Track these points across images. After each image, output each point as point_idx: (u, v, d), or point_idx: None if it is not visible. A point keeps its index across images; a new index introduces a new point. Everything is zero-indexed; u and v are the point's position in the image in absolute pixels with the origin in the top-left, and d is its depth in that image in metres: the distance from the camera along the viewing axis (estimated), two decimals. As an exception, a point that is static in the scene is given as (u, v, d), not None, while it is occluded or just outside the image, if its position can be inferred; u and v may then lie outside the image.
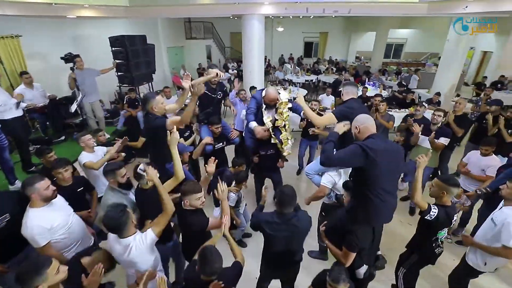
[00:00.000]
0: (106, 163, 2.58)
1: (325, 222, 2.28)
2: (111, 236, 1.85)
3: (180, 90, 7.14)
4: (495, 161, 3.16)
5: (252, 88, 6.10)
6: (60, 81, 6.06)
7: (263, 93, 3.16)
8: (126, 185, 2.44)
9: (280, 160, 3.54)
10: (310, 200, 2.88)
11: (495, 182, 2.86)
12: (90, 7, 5.60)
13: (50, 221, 1.98)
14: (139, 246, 1.79)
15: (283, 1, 6.07)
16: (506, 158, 4.04)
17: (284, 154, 3.37)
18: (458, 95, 8.00)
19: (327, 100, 6.57)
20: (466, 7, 5.31)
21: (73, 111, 4.63)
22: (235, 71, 12.33)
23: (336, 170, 2.69)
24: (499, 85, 9.31)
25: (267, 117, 3.16)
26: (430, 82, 9.79)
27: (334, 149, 1.93)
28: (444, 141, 3.53)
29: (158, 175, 2.01)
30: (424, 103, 4.90)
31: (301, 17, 14.45)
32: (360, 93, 6.81)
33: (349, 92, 2.57)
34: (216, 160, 2.34)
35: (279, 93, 3.17)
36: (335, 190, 2.69)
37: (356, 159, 1.75)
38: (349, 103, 2.50)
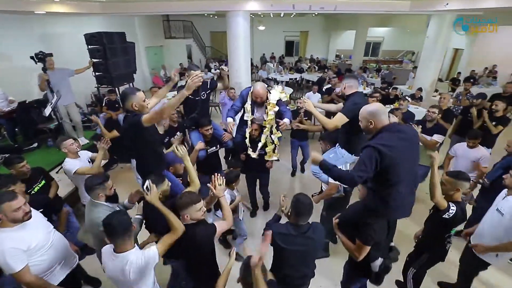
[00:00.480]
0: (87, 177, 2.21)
1: (339, 214, 2.14)
2: (106, 251, 1.62)
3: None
4: (485, 152, 3.21)
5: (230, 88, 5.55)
6: (28, 83, 5.54)
7: (251, 89, 3.04)
8: (113, 197, 2.19)
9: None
10: (320, 199, 2.81)
11: (492, 172, 2.91)
12: (61, 1, 5.16)
13: (26, 242, 1.71)
14: (139, 263, 1.56)
15: (269, -3, 5.96)
16: (490, 149, 4.23)
17: (267, 158, 3.25)
18: (436, 91, 8.31)
19: (314, 97, 6.54)
20: (447, 4, 5.48)
21: (47, 114, 4.19)
22: (218, 71, 12.08)
23: (343, 165, 2.65)
24: (471, 80, 9.82)
25: (248, 116, 3.04)
26: (406, 78, 10.20)
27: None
28: (438, 138, 3.50)
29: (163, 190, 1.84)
30: (407, 98, 5.03)
31: (282, 15, 14.47)
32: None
33: (352, 86, 2.48)
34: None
35: (270, 92, 3.03)
36: (344, 184, 2.61)
37: (375, 163, 1.62)
38: (355, 98, 2.41)
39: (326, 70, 11.85)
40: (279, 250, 1.78)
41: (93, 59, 5.26)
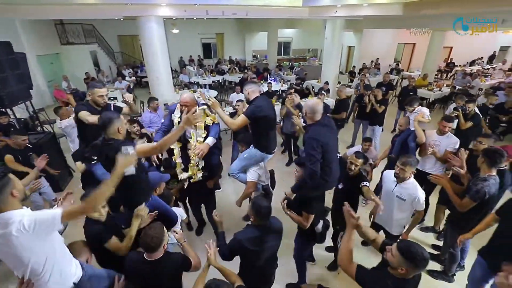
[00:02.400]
0: None
1: (285, 197, 2.43)
2: None
3: (70, 106, 5.98)
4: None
5: (152, 99, 4.97)
6: None
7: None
8: None
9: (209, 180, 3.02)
10: (242, 200, 2.99)
11: (395, 148, 3.66)
12: None
13: None
14: (27, 225, 1.25)
15: (182, 3, 5.92)
16: (381, 127, 5.40)
17: (192, 180, 2.85)
18: (339, 83, 9.81)
19: (238, 98, 6.86)
20: (336, 11, 6.57)
21: None
22: (133, 78, 11.23)
23: (258, 164, 2.89)
24: (364, 70, 11.97)
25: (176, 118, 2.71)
26: (316, 73, 11.69)
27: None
28: None
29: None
30: (323, 92, 5.90)
31: (195, 18, 14.36)
32: (266, 88, 7.48)
33: (255, 91, 2.65)
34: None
35: (198, 105, 2.71)
36: (261, 182, 2.95)
37: (320, 149, 2.09)
38: (257, 101, 2.59)
39: (246, 71, 12.45)
40: (249, 254, 1.84)
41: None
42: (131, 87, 9.77)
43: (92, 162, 2.67)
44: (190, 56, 16.02)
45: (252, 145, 2.81)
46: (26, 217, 1.27)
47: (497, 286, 1.41)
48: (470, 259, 2.65)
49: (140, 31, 6.09)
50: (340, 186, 2.67)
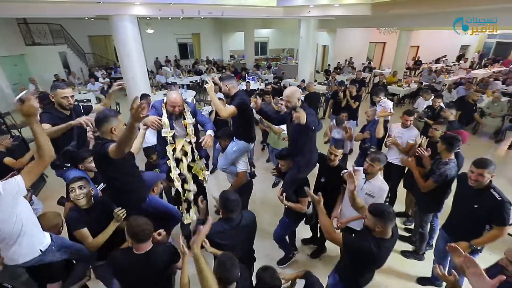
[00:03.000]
0: None
1: (281, 190, 2.52)
2: None
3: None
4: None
5: (144, 96, 4.95)
6: None
7: (165, 99, 2.68)
8: None
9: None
10: (234, 188, 3.01)
11: (369, 139, 3.88)
12: None
13: None
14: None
15: (157, 2, 5.84)
16: (355, 121, 5.67)
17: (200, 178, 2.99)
18: (315, 80, 10.11)
19: (218, 96, 6.89)
20: (309, 11, 6.80)
21: None
22: (107, 80, 10.84)
23: (244, 156, 3.03)
24: (338, 69, 12.44)
25: (167, 131, 2.63)
26: (293, 72, 11.95)
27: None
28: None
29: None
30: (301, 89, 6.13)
31: (170, 18, 14.12)
32: (244, 87, 7.57)
33: (234, 86, 2.78)
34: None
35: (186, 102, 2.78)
36: (248, 170, 3.11)
37: (305, 132, 2.30)
38: (240, 94, 2.73)
39: (224, 71, 12.45)
40: (223, 248, 1.84)
41: None
42: (105, 89, 9.44)
43: (64, 168, 2.51)
44: (166, 56, 15.74)
45: (235, 139, 2.89)
46: None
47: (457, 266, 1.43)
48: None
49: (114, 31, 5.92)
50: (322, 180, 2.79)
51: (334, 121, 2.73)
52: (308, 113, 2.12)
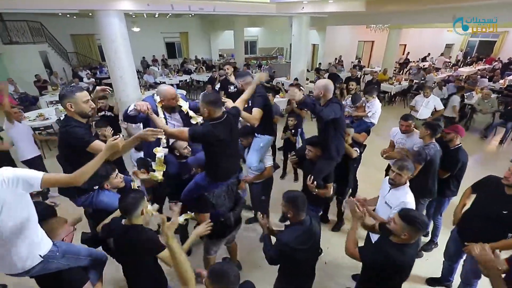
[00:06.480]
0: None
1: (311, 177, 2.52)
2: None
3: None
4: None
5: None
6: None
7: (155, 97, 2.45)
8: None
9: None
10: (256, 179, 2.99)
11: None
12: None
13: None
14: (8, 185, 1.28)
15: (145, -4, 5.57)
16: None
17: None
18: (307, 79, 10.04)
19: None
20: (303, 8, 6.68)
21: None
22: (93, 80, 10.40)
23: (269, 150, 3.13)
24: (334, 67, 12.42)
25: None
26: (284, 71, 11.85)
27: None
28: None
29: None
30: (301, 88, 5.99)
31: (156, 15, 13.74)
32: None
33: (248, 83, 2.56)
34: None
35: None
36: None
37: (338, 111, 2.38)
38: (259, 91, 2.56)
39: (214, 70, 12.21)
40: (298, 256, 1.70)
41: None
42: (90, 89, 9.03)
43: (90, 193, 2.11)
44: (154, 56, 15.31)
45: (257, 134, 2.84)
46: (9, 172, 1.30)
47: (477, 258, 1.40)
48: (444, 236, 2.85)
49: (99, 27, 5.58)
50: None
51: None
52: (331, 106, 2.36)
